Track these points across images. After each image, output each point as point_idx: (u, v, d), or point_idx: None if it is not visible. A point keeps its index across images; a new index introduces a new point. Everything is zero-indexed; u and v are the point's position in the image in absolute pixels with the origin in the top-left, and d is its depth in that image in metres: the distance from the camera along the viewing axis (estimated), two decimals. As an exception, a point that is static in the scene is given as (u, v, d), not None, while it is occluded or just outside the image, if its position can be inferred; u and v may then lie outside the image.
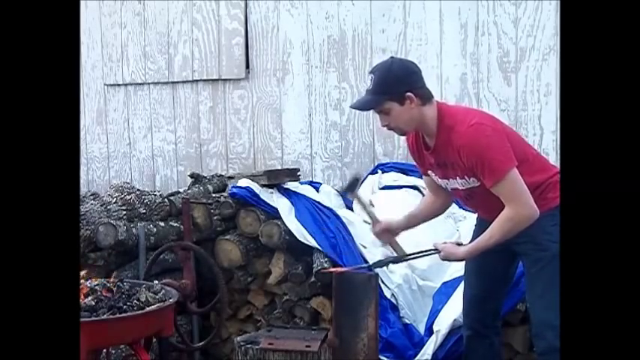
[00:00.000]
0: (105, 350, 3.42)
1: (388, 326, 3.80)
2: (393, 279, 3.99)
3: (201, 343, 4.08)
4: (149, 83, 5.61)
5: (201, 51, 5.39)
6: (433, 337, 3.71)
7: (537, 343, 3.07)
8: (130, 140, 5.72)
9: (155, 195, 4.50)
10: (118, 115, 5.75)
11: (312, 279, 4.06)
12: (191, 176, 4.93)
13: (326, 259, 4.01)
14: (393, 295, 3.95)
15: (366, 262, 3.83)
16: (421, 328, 3.86)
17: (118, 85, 5.73)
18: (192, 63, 5.43)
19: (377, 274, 3.19)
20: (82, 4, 5.47)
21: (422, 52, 4.73)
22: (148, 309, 3.10)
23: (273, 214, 4.24)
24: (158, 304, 3.15)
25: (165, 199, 4.45)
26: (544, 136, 4.52)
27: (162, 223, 4.31)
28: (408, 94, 2.89)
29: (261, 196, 4.29)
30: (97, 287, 3.22)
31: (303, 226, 4.16)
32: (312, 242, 4.11)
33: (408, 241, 3.52)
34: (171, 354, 3.50)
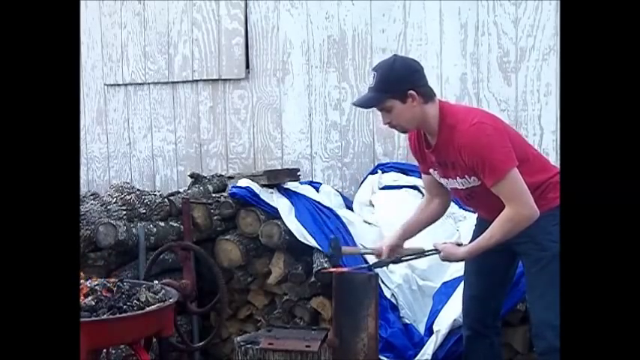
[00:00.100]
0: (105, 350, 3.42)
1: (388, 326, 3.80)
2: (393, 279, 3.99)
3: (201, 343, 4.08)
4: (149, 83, 5.60)
5: (201, 51, 5.39)
6: (433, 337, 3.72)
7: (537, 343, 3.07)
8: (130, 140, 5.72)
9: (155, 195, 4.50)
10: (118, 115, 5.75)
11: (312, 279, 4.06)
12: (191, 176, 4.93)
13: (326, 259, 4.01)
14: (393, 295, 3.95)
15: (366, 262, 3.83)
16: (421, 328, 3.86)
17: (118, 85, 5.73)
18: (192, 63, 5.43)
19: (377, 274, 3.19)
20: (82, 4, 5.47)
21: (422, 52, 4.73)
22: (148, 309, 3.10)
23: (273, 214, 4.24)
24: (158, 304, 3.15)
25: (165, 199, 4.45)
26: (544, 136, 4.52)
27: (162, 223, 4.31)
28: (411, 92, 2.89)
29: (261, 196, 4.29)
30: (97, 287, 3.21)
31: (303, 226, 4.16)
32: (312, 242, 4.11)
33: (407, 241, 3.52)
34: (171, 354, 3.49)
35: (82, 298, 3.09)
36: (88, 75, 5.79)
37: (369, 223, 4.37)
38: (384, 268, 3.44)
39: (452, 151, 2.92)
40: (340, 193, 4.85)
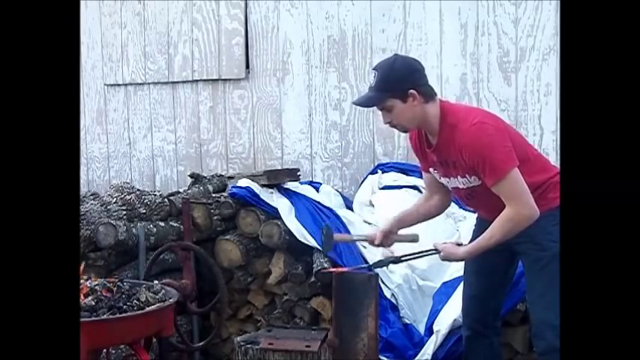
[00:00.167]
0: (105, 350, 3.42)
1: (388, 326, 3.80)
2: (393, 279, 3.99)
3: (201, 343, 4.08)
4: (149, 83, 5.60)
5: (201, 51, 5.39)
6: (433, 337, 3.72)
7: (537, 343, 3.07)
8: (130, 140, 5.72)
9: (155, 195, 4.50)
10: (118, 115, 5.75)
11: (312, 279, 4.06)
12: (191, 176, 4.93)
13: (326, 259, 4.01)
14: (393, 295, 3.95)
15: (366, 262, 3.83)
16: (421, 328, 3.86)
17: (118, 85, 5.73)
18: (192, 63, 5.43)
19: (377, 274, 3.19)
20: (82, 4, 5.47)
21: (422, 52, 4.73)
22: (148, 309, 3.10)
23: (273, 214, 4.25)
24: (158, 304, 3.15)
25: (165, 199, 4.45)
26: (544, 136, 4.52)
27: (162, 223, 4.31)
28: (411, 91, 2.89)
29: (261, 196, 4.29)
30: (97, 287, 3.21)
31: (303, 226, 4.16)
32: (312, 242, 4.11)
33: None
34: (171, 354, 3.49)
35: (82, 298, 3.09)
36: (88, 75, 5.79)
37: (369, 223, 4.37)
38: (384, 268, 3.44)
39: (453, 151, 2.92)
40: (340, 193, 4.85)
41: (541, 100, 4.54)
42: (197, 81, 5.44)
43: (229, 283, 4.27)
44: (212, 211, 4.34)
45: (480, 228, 3.12)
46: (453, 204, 3.62)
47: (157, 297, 3.22)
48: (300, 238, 4.14)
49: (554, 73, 4.47)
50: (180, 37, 5.45)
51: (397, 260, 3.20)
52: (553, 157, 4.20)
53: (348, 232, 4.21)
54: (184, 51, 5.44)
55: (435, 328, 3.73)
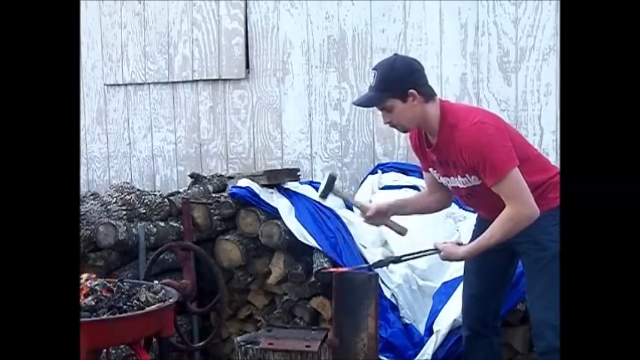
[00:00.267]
0: (105, 350, 3.42)
1: (388, 326, 3.80)
2: (393, 279, 3.99)
3: (201, 343, 4.07)
4: (149, 83, 5.60)
5: (201, 51, 5.39)
6: (433, 337, 3.72)
7: (537, 343, 3.07)
8: (130, 140, 5.72)
9: (155, 195, 4.50)
10: (118, 115, 5.75)
11: (312, 279, 4.06)
12: (191, 176, 4.93)
13: (326, 259, 4.01)
14: (393, 295, 3.95)
15: (366, 262, 3.83)
16: (421, 328, 3.86)
17: (118, 85, 5.73)
18: (192, 63, 5.43)
19: (377, 274, 3.18)
20: (82, 4, 5.47)
21: (422, 52, 4.72)
22: (148, 309, 3.10)
23: (273, 214, 4.24)
24: (158, 304, 3.15)
25: (165, 199, 4.45)
26: (544, 136, 4.52)
27: (162, 223, 4.31)
28: (411, 91, 2.90)
29: (261, 196, 4.29)
30: (97, 287, 3.21)
31: (303, 226, 4.16)
32: (312, 242, 4.11)
33: (407, 241, 3.52)
34: (171, 354, 3.49)
35: (82, 298, 3.09)
36: (88, 75, 5.79)
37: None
38: (384, 268, 3.44)
39: (453, 151, 2.92)
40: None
41: (541, 100, 4.53)
42: (197, 81, 5.44)
43: (229, 283, 4.26)
44: (212, 211, 4.34)
45: (480, 228, 3.12)
46: (453, 204, 3.62)
47: (157, 297, 3.22)
48: (300, 238, 4.14)
49: (554, 73, 4.47)
50: (180, 37, 5.45)
51: (397, 260, 3.20)
52: (553, 157, 4.20)
53: (348, 232, 4.21)
54: (184, 51, 5.44)
55: (435, 328, 3.73)
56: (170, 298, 3.25)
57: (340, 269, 3.32)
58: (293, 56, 5.11)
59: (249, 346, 3.19)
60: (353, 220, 4.33)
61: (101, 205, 4.24)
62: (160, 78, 5.55)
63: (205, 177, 4.93)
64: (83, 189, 5.44)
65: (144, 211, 4.32)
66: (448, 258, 3.09)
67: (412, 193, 4.44)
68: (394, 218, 3.25)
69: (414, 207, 3.31)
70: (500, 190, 2.86)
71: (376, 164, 4.89)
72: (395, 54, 3.14)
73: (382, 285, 3.89)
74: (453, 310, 3.67)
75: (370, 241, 4.14)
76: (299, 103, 5.12)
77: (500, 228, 2.88)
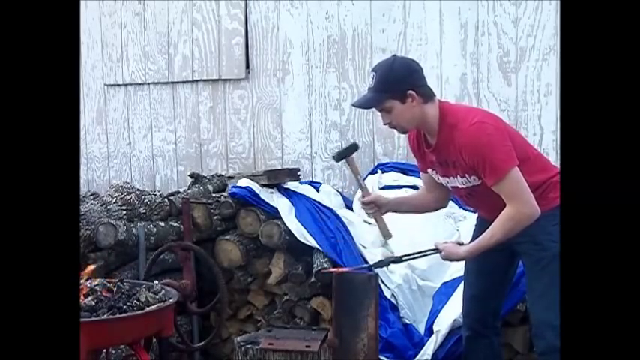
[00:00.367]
0: (105, 350, 3.42)
1: (388, 326, 3.80)
2: (393, 279, 3.99)
3: (201, 343, 4.07)
4: (149, 83, 5.60)
5: (201, 51, 5.39)
6: (433, 337, 3.72)
7: (537, 343, 3.07)
8: (130, 140, 5.72)
9: (155, 195, 4.50)
10: (118, 115, 5.75)
11: (312, 279, 4.06)
12: (191, 176, 4.93)
13: (326, 259, 4.01)
14: (393, 295, 3.95)
15: (366, 262, 3.83)
16: (421, 328, 3.86)
17: (118, 85, 5.73)
18: (192, 63, 5.43)
19: (377, 274, 3.19)
20: (82, 4, 5.47)
21: (422, 52, 4.73)
22: (148, 309, 3.10)
23: (273, 214, 4.24)
24: (158, 304, 3.15)
25: (165, 199, 4.45)
26: (544, 136, 4.52)
27: (162, 223, 4.31)
28: (410, 92, 2.90)
29: (261, 196, 4.29)
30: (97, 287, 3.21)
31: (303, 226, 4.16)
32: (312, 242, 4.11)
33: (407, 240, 3.52)
34: (171, 354, 3.49)
35: (82, 298, 3.09)
36: (88, 75, 5.79)
37: (369, 223, 4.37)
38: (384, 268, 3.44)
39: (452, 151, 2.92)
40: (340, 193, 4.85)
41: (541, 100, 4.53)
42: (197, 81, 5.44)
43: (229, 283, 4.26)
44: (212, 211, 4.34)
45: (480, 228, 3.12)
46: (453, 204, 3.62)
47: (157, 297, 3.22)
48: (300, 238, 4.14)
49: (554, 73, 4.47)
50: (180, 37, 5.45)
51: (398, 260, 3.20)
52: (553, 157, 4.20)
53: (348, 232, 4.21)
54: (184, 51, 5.44)
55: (435, 328, 3.73)
56: (170, 298, 3.25)
57: (340, 269, 3.32)
58: (293, 56, 5.11)
59: (249, 346, 3.19)
60: (353, 220, 4.33)
61: (101, 205, 4.24)
62: (159, 78, 5.55)
63: (205, 177, 4.93)
64: (83, 189, 5.44)
65: (144, 211, 4.32)
66: (449, 258, 3.09)
67: (412, 192, 4.46)
68: (387, 218, 3.25)
69: (412, 205, 3.33)
70: (500, 190, 2.86)
71: (376, 164, 4.89)
72: (394, 55, 3.14)
73: (382, 285, 3.89)
74: (453, 310, 3.67)
75: (370, 241, 4.14)
76: (299, 103, 5.12)
77: (501, 227, 2.88)
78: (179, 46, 5.46)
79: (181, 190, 4.76)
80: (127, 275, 4.06)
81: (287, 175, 4.60)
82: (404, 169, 4.69)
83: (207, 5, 5.34)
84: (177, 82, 5.50)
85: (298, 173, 4.76)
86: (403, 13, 4.81)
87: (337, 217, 4.31)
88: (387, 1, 4.84)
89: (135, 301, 3.14)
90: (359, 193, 4.69)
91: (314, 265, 4.04)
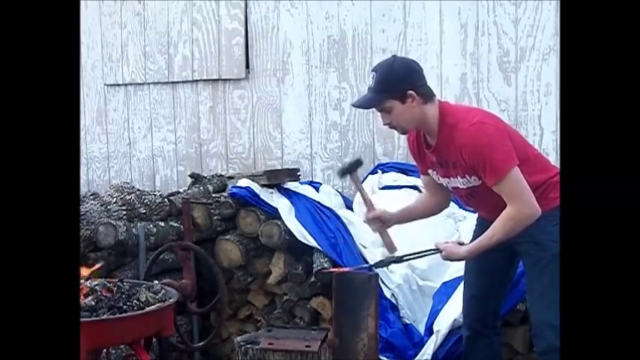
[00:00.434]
0: (105, 350, 3.42)
1: (388, 326, 3.80)
2: (393, 279, 3.99)
3: (201, 343, 4.07)
4: (149, 83, 5.61)
5: (201, 51, 5.39)
6: (433, 337, 3.72)
7: (537, 343, 3.07)
8: (130, 140, 5.72)
9: (155, 195, 4.50)
10: (118, 115, 5.75)
11: (312, 279, 4.06)
12: (191, 176, 4.93)
13: (326, 259, 4.01)
14: (393, 295, 3.95)
15: (366, 262, 3.83)
16: (421, 328, 3.86)
17: (118, 85, 5.73)
18: (192, 63, 5.43)
19: (377, 274, 3.19)
20: (82, 4, 5.47)
21: (422, 52, 4.73)
22: (148, 309, 3.10)
23: (273, 214, 4.24)
24: (158, 304, 3.15)
25: (165, 199, 4.45)
26: (544, 136, 4.52)
27: (162, 223, 4.31)
28: (410, 92, 2.90)
29: (261, 196, 4.29)
30: (97, 287, 3.21)
31: (303, 226, 4.16)
32: (312, 242, 4.11)
33: (407, 240, 3.52)
34: (171, 354, 3.49)
35: (82, 298, 3.09)
36: (88, 75, 5.79)
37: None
38: (384, 268, 3.44)
39: (452, 151, 2.92)
40: (340, 193, 4.85)
41: (541, 100, 4.53)
42: (197, 81, 5.44)
43: (229, 283, 4.26)
44: (212, 211, 4.34)
45: (480, 228, 3.12)
46: (453, 204, 3.62)
47: (157, 297, 3.22)
48: (300, 238, 4.14)
49: (554, 73, 4.47)
50: (180, 37, 5.45)
51: (398, 260, 3.20)
52: (553, 157, 4.20)
53: (348, 232, 4.21)
54: (184, 51, 5.44)
55: (435, 328, 3.73)
56: (170, 298, 3.25)
57: (340, 269, 3.32)
58: (293, 56, 5.11)
59: (249, 346, 3.20)
60: (353, 220, 4.33)
61: (101, 205, 4.25)
62: (159, 78, 5.55)
63: (205, 177, 4.93)
64: (83, 189, 5.44)
65: (144, 211, 4.32)
66: (449, 258, 3.09)
67: (412, 193, 4.45)
68: (391, 232, 3.25)
69: (416, 214, 3.32)
70: (500, 190, 2.86)
71: (376, 164, 4.89)
72: (394, 55, 3.14)
73: (382, 285, 3.89)
74: (453, 310, 3.67)
75: (370, 241, 4.14)
76: (299, 103, 5.12)
77: (502, 227, 2.88)
78: (179, 46, 5.46)
79: (181, 190, 4.76)
80: (127, 275, 4.06)
81: (287, 175, 4.60)
82: (404, 169, 4.69)
83: (207, 5, 5.34)
84: (177, 82, 5.50)
85: (298, 173, 4.76)
86: (403, 13, 4.81)
87: (337, 217, 4.31)
88: (387, 1, 4.84)
89: (135, 301, 3.14)
90: (358, 195, 4.71)
91: (314, 265, 4.04)
